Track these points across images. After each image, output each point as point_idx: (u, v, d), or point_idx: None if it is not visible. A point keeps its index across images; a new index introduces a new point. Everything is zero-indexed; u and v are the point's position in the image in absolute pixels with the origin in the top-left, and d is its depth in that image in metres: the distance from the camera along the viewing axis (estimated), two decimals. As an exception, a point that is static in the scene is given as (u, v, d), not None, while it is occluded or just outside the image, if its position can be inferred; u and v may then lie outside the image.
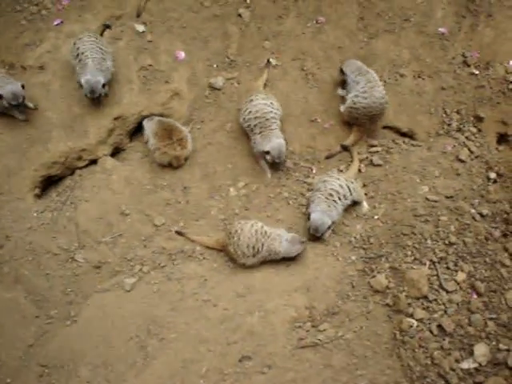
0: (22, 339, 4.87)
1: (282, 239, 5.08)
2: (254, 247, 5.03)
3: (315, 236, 5.28)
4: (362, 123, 5.92)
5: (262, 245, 5.02)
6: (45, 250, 5.32)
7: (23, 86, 5.58)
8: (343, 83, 6.08)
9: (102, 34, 6.32)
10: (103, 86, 5.73)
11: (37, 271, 5.21)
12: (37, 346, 4.84)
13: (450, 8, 6.70)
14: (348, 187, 5.36)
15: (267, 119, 5.62)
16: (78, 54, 5.71)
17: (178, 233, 5.41)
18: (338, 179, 5.40)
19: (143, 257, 5.30)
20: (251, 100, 5.74)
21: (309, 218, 5.28)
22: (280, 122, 5.79)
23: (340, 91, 6.09)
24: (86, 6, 6.53)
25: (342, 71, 6.02)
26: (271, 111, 5.68)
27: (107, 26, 6.41)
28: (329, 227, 5.26)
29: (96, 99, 5.85)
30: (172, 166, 5.81)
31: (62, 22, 6.40)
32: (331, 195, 5.27)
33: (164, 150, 5.69)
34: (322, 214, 5.20)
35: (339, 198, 5.30)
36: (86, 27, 6.24)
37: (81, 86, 5.73)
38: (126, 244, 5.39)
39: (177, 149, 5.71)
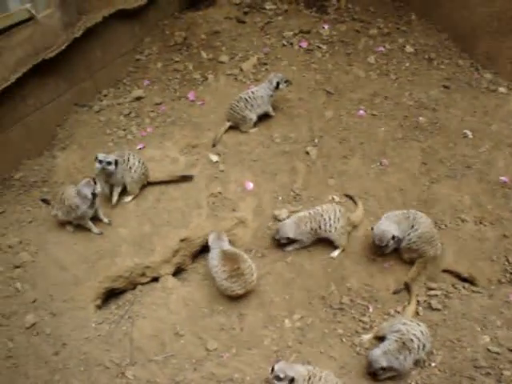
0: None
1: None
2: None
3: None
4: (423, 252, 5.92)
5: None
6: (97, 363, 5.32)
7: (95, 181, 5.93)
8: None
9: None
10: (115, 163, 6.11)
11: (86, 383, 5.19)
12: None
13: (511, 158, 6.89)
14: (427, 334, 5.09)
15: None
16: None
17: None
18: (419, 325, 5.13)
19: (192, 381, 5.18)
20: None
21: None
22: None
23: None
24: (167, 135, 7.17)
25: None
26: None
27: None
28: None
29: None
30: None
31: (144, 147, 7.01)
32: (412, 341, 4.97)
33: (236, 287, 5.70)
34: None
35: (418, 347, 4.98)
36: (165, 153, 6.80)
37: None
38: (176, 365, 5.32)
39: (247, 282, 5.70)
